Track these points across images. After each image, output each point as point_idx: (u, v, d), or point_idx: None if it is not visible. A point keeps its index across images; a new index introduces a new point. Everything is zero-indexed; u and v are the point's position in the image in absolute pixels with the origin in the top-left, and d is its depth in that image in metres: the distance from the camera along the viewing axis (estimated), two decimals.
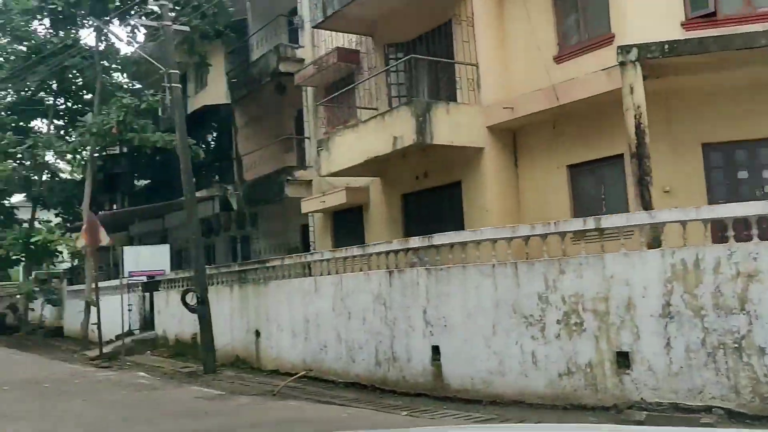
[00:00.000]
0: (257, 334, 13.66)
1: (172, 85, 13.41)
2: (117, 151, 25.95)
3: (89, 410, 9.19)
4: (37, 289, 23.29)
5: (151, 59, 14.65)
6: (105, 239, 15.91)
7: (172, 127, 20.71)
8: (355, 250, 11.32)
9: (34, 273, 26.87)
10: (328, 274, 11.91)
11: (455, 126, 12.49)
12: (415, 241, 10.11)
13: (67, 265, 29.99)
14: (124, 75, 23.88)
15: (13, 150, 21.64)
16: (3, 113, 26.49)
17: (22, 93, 25.65)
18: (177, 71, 13.68)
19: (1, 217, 28.49)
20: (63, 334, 23.91)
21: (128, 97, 17.38)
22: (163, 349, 16.97)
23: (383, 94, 15.10)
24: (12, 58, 24.58)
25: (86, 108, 25.15)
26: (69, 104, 25.84)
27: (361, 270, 11.16)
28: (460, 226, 12.33)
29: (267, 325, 13.35)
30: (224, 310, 14.43)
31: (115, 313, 17.65)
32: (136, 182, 26.41)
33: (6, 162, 21.56)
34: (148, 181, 26.22)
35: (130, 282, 16.97)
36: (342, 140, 14.26)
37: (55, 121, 25.27)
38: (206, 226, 23.58)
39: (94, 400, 10.22)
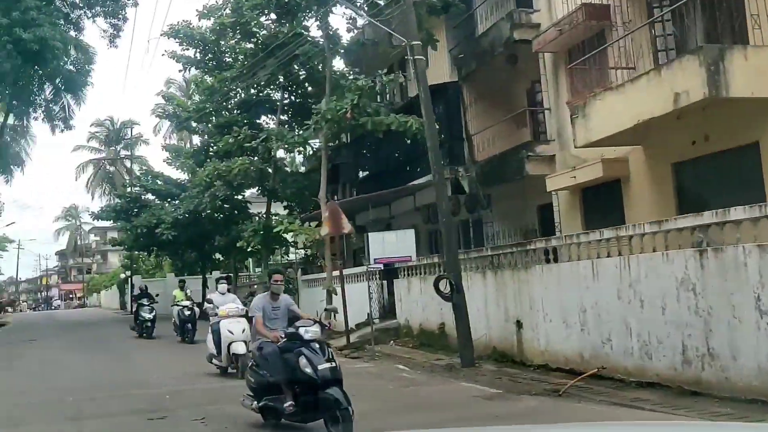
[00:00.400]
0: (518, 324, 12.42)
1: (416, 57, 12.52)
2: (336, 143, 26.06)
3: (373, 411, 8.43)
4: None
5: (391, 31, 13.90)
6: (347, 227, 15.56)
7: (396, 111, 20.21)
8: (647, 227, 9.64)
9: (266, 263, 27.78)
10: (608, 256, 10.36)
11: (756, 74, 10.40)
12: (738, 213, 8.25)
13: (289, 257, 30.97)
14: (345, 62, 23.70)
15: (248, 144, 22.29)
16: (235, 111, 27.74)
17: (251, 90, 26.60)
18: (419, 42, 12.76)
19: (235, 211, 30.02)
20: None
21: (363, 78, 16.86)
22: (407, 338, 16.33)
23: (645, 50, 13.16)
24: (240, 57, 25.54)
25: (309, 100, 25.50)
26: (293, 98, 26.36)
27: (654, 250, 9.49)
28: (758, 197, 10.17)
29: (530, 315, 12.06)
30: (476, 298, 13.35)
31: (354, 302, 17.34)
32: (359, 172, 26.35)
33: (243, 157, 22.28)
34: (369, 171, 26.08)
35: (369, 269, 16.54)
36: (603, 104, 12.58)
37: (281, 117, 25.87)
38: (433, 212, 22.88)
39: (368, 397, 9.51)
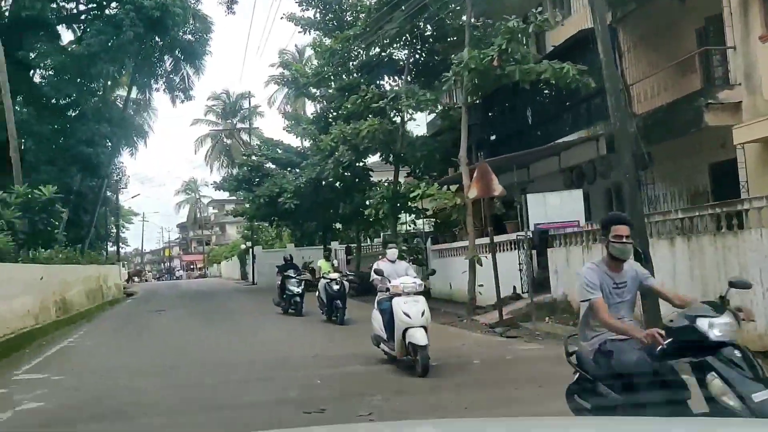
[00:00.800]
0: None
1: None
2: (477, 96, 24.08)
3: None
4: (404, 248, 22.39)
5: None
6: (498, 188, 13.77)
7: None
8: None
9: (395, 232, 26.37)
10: None
11: None
12: None
13: (416, 225, 29.45)
14: (476, 12, 21.65)
15: (375, 105, 20.81)
16: (355, 74, 26.32)
17: (373, 50, 25.12)
18: None
19: (356, 179, 28.69)
20: (429, 296, 22.88)
21: (513, 19, 14.83)
22: (565, 315, 14.42)
23: None
24: (362, 15, 24.05)
25: (435, 58, 23.72)
26: (417, 56, 24.62)
27: None
28: None
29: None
30: (662, 270, 11.21)
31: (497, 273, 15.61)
32: (490, 134, 24.38)
33: (373, 118, 20.80)
34: (500, 132, 24.09)
35: (520, 237, 14.70)
36: None
37: (407, 78, 24.19)
38: (577, 174, 20.71)
39: (561, 392, 7.87)
